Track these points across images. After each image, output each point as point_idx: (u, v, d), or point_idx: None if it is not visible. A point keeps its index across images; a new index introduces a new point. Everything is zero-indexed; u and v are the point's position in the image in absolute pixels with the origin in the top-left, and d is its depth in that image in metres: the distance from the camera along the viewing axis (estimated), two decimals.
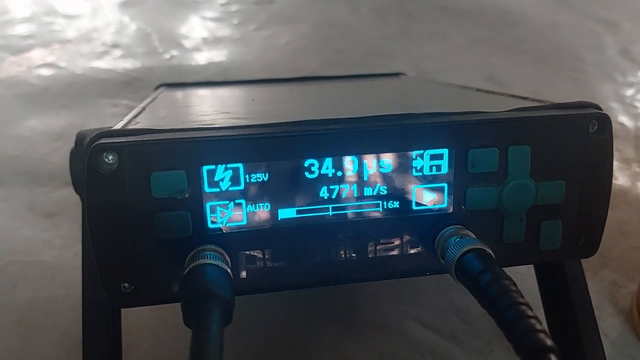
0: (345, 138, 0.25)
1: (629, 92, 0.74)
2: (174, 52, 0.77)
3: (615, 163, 0.61)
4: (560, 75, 0.77)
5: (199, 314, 0.20)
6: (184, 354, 0.19)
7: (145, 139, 0.24)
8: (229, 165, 0.24)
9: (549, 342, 0.19)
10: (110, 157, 0.23)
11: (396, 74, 0.57)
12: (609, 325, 0.41)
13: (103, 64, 0.74)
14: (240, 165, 0.24)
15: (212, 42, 0.80)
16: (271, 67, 0.73)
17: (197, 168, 0.24)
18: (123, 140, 0.23)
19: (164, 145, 0.24)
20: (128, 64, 0.74)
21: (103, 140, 0.23)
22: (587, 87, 0.73)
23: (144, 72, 0.71)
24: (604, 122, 0.27)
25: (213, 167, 0.24)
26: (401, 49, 0.79)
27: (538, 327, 0.19)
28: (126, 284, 0.25)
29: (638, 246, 0.49)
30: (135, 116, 0.30)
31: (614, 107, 0.71)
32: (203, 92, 0.47)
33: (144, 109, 0.34)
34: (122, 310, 0.30)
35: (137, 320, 0.38)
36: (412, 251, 0.27)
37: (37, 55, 0.75)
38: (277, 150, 0.24)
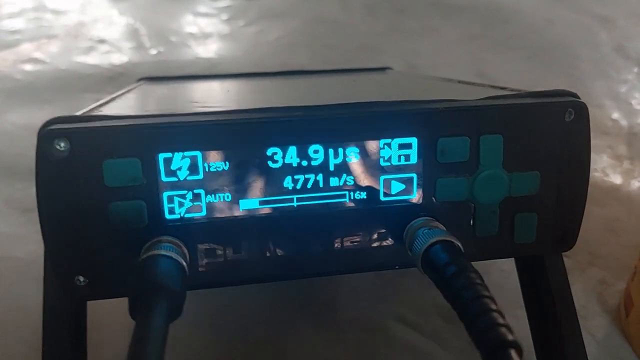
0: (310, 126, 0.24)
1: (623, 88, 0.73)
2: (161, 48, 0.76)
3: (607, 160, 0.60)
4: (553, 72, 0.76)
5: (144, 306, 0.19)
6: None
7: (97, 125, 0.23)
8: (186, 153, 0.23)
9: (510, 336, 0.18)
10: (62, 144, 0.22)
11: (383, 69, 0.56)
12: (596, 325, 0.40)
13: (89, 59, 0.73)
14: (198, 154, 0.23)
15: (201, 37, 0.80)
16: (259, 63, 0.73)
17: (152, 156, 0.23)
18: (75, 126, 0.22)
19: (117, 131, 0.23)
20: (114, 60, 0.73)
21: (54, 126, 0.22)
22: (581, 84, 0.72)
23: (130, 67, 0.70)
24: (581, 110, 0.26)
25: (170, 155, 0.23)
26: (392, 45, 0.78)
27: (500, 321, 0.18)
28: (80, 277, 0.24)
29: (628, 244, 0.48)
30: (101, 105, 0.29)
31: (608, 104, 0.70)
32: (181, 85, 0.46)
33: (113, 99, 0.33)
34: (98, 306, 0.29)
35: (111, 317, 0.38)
36: (381, 244, 0.26)
37: (23, 50, 0.74)
38: (237, 137, 0.23)
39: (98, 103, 0.30)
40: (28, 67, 0.70)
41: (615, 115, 0.68)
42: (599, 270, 0.45)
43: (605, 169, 0.58)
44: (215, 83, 0.47)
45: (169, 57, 0.74)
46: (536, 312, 0.32)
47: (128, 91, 0.39)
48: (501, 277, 0.43)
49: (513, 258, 0.33)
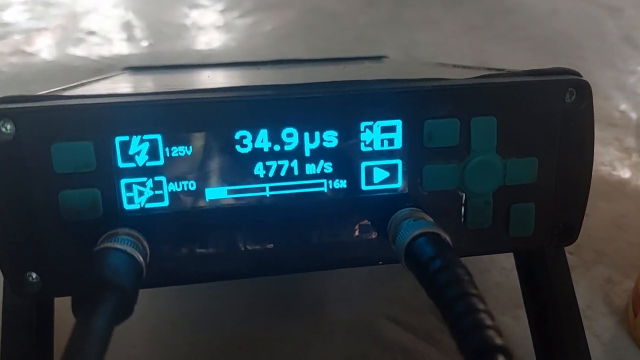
0: (283, 106, 0.22)
1: (631, 79, 0.71)
2: (153, 40, 0.74)
3: (615, 153, 0.58)
4: (558, 63, 0.72)
5: (86, 303, 0.17)
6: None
7: (46, 104, 0.21)
8: (145, 137, 0.21)
9: (497, 340, 0.15)
10: (8, 126, 0.20)
11: (378, 57, 0.54)
12: (602, 326, 0.38)
13: (78, 51, 0.72)
14: (158, 137, 0.21)
15: (194, 29, 0.78)
16: (253, 54, 0.71)
17: (107, 139, 0.21)
18: (21, 105, 0.20)
19: (66, 111, 0.21)
20: (104, 51, 0.72)
21: None
22: (587, 74, 0.69)
23: (119, 59, 0.69)
24: (583, 90, 0.23)
25: (127, 138, 0.21)
26: (391, 36, 0.76)
27: (487, 322, 0.16)
28: (32, 274, 0.22)
29: (636, 241, 0.46)
30: (65, 89, 0.27)
31: (615, 94, 0.67)
32: (163, 73, 0.44)
33: (82, 84, 0.31)
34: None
35: None
36: (363, 237, 0.23)
37: (12, 42, 0.73)
38: (202, 118, 0.21)
39: (65, 86, 0.28)
40: (15, 59, 0.69)
41: (623, 106, 0.65)
42: (605, 268, 0.43)
43: (613, 162, 0.56)
44: (200, 71, 0.45)
45: (161, 49, 0.73)
46: (536, 311, 0.30)
47: (104, 78, 0.37)
48: (501, 275, 0.42)
49: (512, 254, 0.31)
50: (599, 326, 0.38)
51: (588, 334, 0.37)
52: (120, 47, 0.73)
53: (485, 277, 0.41)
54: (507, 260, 0.41)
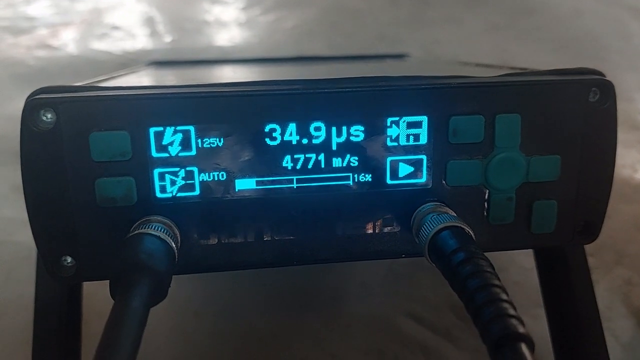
0: (311, 100, 0.22)
1: None
2: (176, 35, 0.75)
3: (636, 155, 0.57)
4: (581, 64, 0.72)
5: (123, 285, 0.18)
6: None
7: (85, 95, 0.21)
8: (178, 128, 0.22)
9: (520, 328, 0.16)
10: (49, 115, 0.21)
11: (400, 55, 0.54)
12: (621, 327, 0.38)
13: (102, 45, 0.73)
14: (191, 128, 0.22)
15: (216, 25, 0.79)
16: (275, 51, 0.71)
17: (142, 129, 0.22)
18: (61, 96, 0.21)
19: (105, 102, 0.21)
20: (127, 46, 0.73)
21: (40, 96, 0.21)
22: (610, 76, 0.69)
23: (142, 54, 0.70)
24: (607, 89, 0.24)
25: (161, 128, 0.22)
26: (412, 34, 0.76)
27: (510, 312, 0.16)
28: (68, 258, 0.23)
29: None
30: (98, 81, 0.28)
31: (638, 97, 0.66)
32: (190, 68, 0.44)
33: (113, 77, 0.32)
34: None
35: None
36: (386, 230, 0.24)
37: (38, 36, 0.74)
38: (233, 111, 0.22)
39: (96, 79, 0.29)
40: (41, 53, 0.70)
41: None
42: (626, 270, 0.43)
43: (635, 164, 0.56)
44: (224, 67, 0.45)
45: (183, 45, 0.74)
46: (555, 310, 0.30)
47: (132, 72, 0.38)
48: (520, 274, 0.42)
49: (533, 253, 0.31)
50: (618, 327, 0.38)
51: (607, 335, 0.37)
52: (143, 43, 0.74)
53: (504, 276, 0.41)
54: (526, 259, 0.41)
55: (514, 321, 0.16)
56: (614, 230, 0.47)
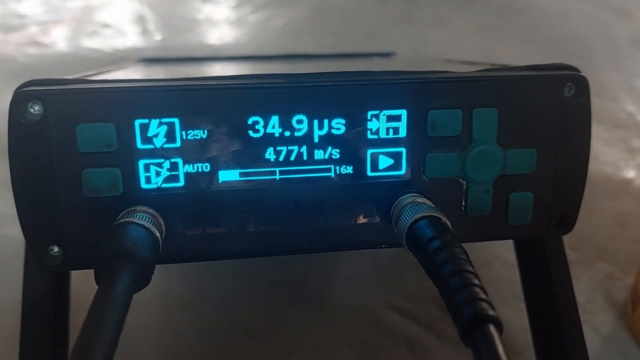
0: (294, 94, 0.23)
1: (639, 82, 0.71)
2: (166, 33, 0.76)
3: (619, 153, 0.58)
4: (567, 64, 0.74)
5: (108, 271, 0.18)
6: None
7: (72, 87, 0.22)
8: (163, 120, 0.22)
9: (490, 311, 0.16)
10: (36, 107, 0.22)
11: (387, 54, 0.55)
12: (601, 320, 0.39)
13: (93, 43, 0.73)
14: (175, 120, 0.22)
15: (207, 24, 0.79)
16: (264, 50, 0.72)
17: (128, 121, 0.22)
18: (49, 88, 0.22)
19: (91, 94, 0.22)
20: (118, 44, 0.73)
21: (28, 88, 0.22)
22: (595, 76, 0.69)
23: (133, 52, 0.70)
24: (581, 84, 0.24)
25: (146, 121, 0.22)
26: (401, 34, 0.77)
27: (481, 296, 0.17)
28: (54, 247, 0.23)
29: (637, 239, 0.46)
30: (86, 76, 0.28)
31: (622, 97, 0.68)
32: (179, 65, 0.45)
33: (102, 72, 0.32)
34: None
35: None
36: (367, 221, 0.24)
37: (28, 34, 0.74)
38: (217, 104, 0.22)
39: (84, 74, 0.29)
40: (31, 50, 0.70)
41: (630, 108, 0.66)
42: (607, 264, 0.44)
43: (618, 162, 0.57)
44: (213, 64, 0.46)
45: (173, 43, 0.74)
46: (534, 301, 0.31)
47: (121, 68, 0.38)
48: (504, 268, 0.42)
49: (514, 247, 0.32)
50: (598, 320, 0.39)
51: (587, 328, 0.38)
52: (134, 40, 0.74)
53: (488, 270, 0.42)
54: (510, 254, 0.42)
55: (484, 304, 0.17)
56: (596, 225, 0.48)
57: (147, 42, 0.74)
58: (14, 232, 0.44)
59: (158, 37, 0.76)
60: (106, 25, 0.77)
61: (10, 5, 0.81)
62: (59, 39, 0.73)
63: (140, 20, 0.79)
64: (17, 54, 0.69)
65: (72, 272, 0.28)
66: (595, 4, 0.87)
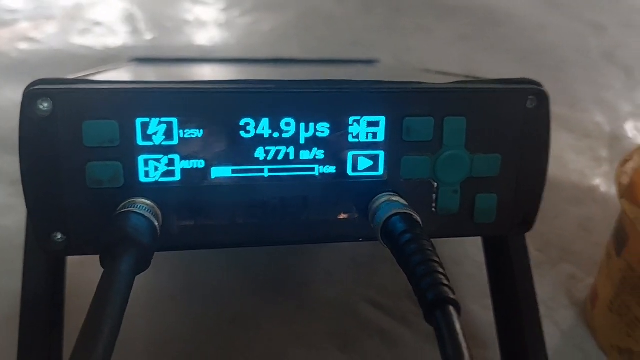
0: (283, 99, 0.25)
1: (609, 94, 0.74)
2: (156, 33, 0.77)
3: (587, 162, 0.61)
4: (542, 75, 0.76)
5: (113, 253, 0.20)
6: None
7: (80, 87, 0.24)
8: (162, 119, 0.24)
9: (451, 294, 0.19)
10: (46, 104, 0.23)
11: (370, 61, 0.57)
12: (562, 316, 0.41)
13: (84, 40, 0.74)
14: (174, 120, 0.24)
15: (196, 25, 0.81)
16: (251, 52, 0.74)
17: (130, 119, 0.24)
18: (58, 87, 0.23)
19: (97, 94, 0.24)
20: (109, 42, 0.74)
21: (38, 87, 0.23)
22: (568, 88, 0.73)
23: (123, 50, 0.71)
24: (542, 98, 0.27)
25: (147, 119, 0.24)
26: (385, 41, 0.79)
27: (444, 281, 0.19)
28: (58, 234, 0.25)
29: (600, 242, 0.49)
30: (87, 75, 0.30)
31: (592, 108, 0.71)
32: (171, 65, 0.47)
33: (100, 72, 0.34)
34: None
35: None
36: (346, 216, 0.27)
37: (20, 29, 0.75)
38: (212, 106, 0.24)
39: (84, 73, 0.31)
40: (23, 45, 0.71)
41: (599, 119, 0.69)
42: (570, 266, 0.46)
43: (584, 169, 0.59)
44: (203, 65, 0.48)
45: (163, 43, 0.75)
46: (499, 297, 0.33)
47: (120, 67, 0.40)
48: (473, 267, 0.44)
49: (483, 248, 0.34)
50: (559, 316, 0.41)
51: (549, 323, 0.40)
52: (124, 39, 0.76)
53: (458, 269, 0.44)
54: (479, 254, 0.44)
55: (445, 289, 0.19)
56: (561, 229, 0.50)
57: (137, 41, 0.75)
58: (10, 222, 0.45)
59: (148, 36, 0.77)
60: (97, 23, 0.78)
61: (1, 1, 0.82)
62: (51, 35, 0.74)
63: (131, 19, 0.81)
64: (9, 49, 0.70)
65: (67, 263, 0.30)
66: (572, 17, 0.90)
